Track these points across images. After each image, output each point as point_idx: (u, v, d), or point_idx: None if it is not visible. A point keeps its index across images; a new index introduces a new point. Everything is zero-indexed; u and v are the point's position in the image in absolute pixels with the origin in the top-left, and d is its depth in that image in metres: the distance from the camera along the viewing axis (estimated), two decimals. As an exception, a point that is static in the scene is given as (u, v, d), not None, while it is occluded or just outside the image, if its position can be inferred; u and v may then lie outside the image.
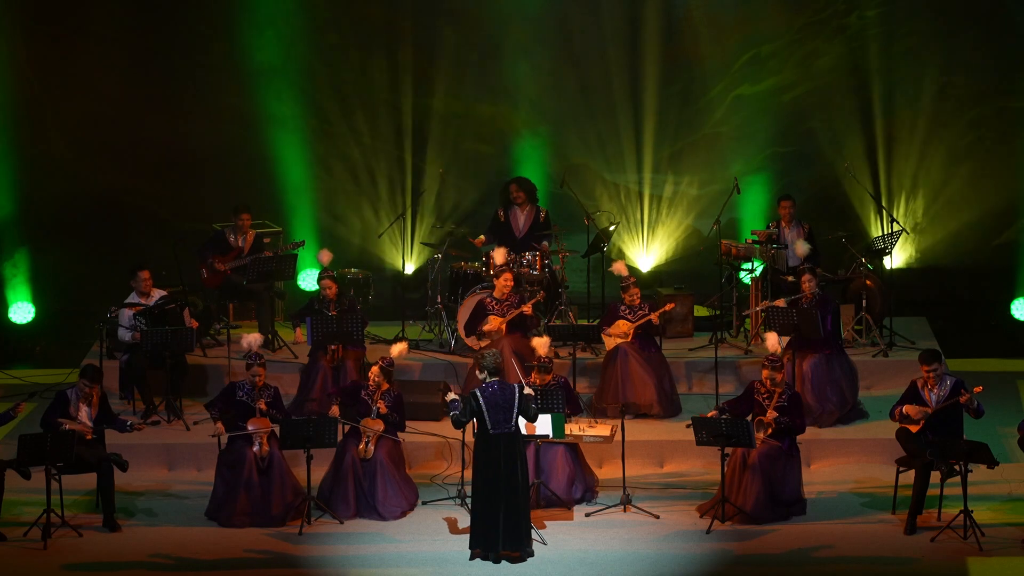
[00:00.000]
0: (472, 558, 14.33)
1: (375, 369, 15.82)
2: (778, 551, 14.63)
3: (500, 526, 14.20)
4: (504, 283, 17.76)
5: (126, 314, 17.74)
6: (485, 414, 14.21)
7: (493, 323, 17.68)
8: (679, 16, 21.24)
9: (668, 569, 14.28)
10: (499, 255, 18.31)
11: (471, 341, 18.24)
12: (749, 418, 15.38)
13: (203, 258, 18.98)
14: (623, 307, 17.70)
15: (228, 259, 18.97)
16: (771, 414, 15.37)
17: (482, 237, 19.02)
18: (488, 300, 17.83)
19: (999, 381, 18.54)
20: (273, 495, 15.37)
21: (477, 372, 14.75)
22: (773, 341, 16.02)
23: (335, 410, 15.67)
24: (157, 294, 17.87)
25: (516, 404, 14.26)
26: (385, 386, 15.82)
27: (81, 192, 21.24)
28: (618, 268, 17.99)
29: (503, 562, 14.26)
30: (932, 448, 14.96)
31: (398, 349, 16.30)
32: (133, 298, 17.83)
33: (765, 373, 15.55)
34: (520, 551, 14.31)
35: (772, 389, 15.51)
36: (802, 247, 18.30)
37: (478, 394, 14.27)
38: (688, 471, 16.60)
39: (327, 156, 21.52)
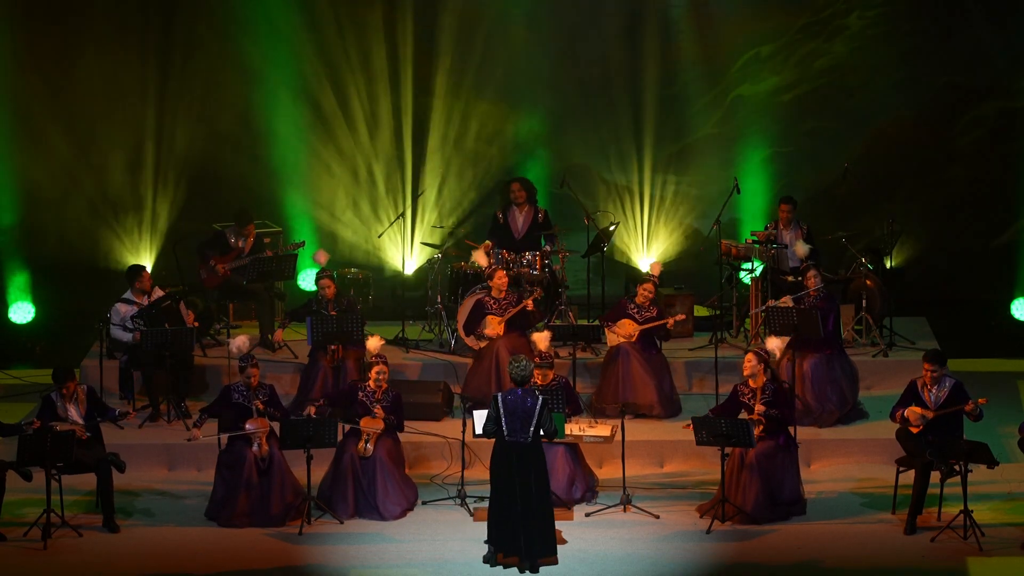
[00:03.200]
0: (486, 559, 14.18)
1: (377, 369, 15.75)
2: (778, 551, 14.63)
3: (524, 535, 14.00)
4: (499, 282, 17.75)
5: (119, 311, 17.70)
6: (502, 420, 14.09)
7: (491, 324, 17.68)
8: (679, 16, 21.24)
9: (668, 569, 14.28)
10: (480, 257, 18.29)
11: (470, 341, 18.25)
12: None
13: (203, 259, 18.97)
14: (631, 306, 17.69)
15: (228, 259, 18.97)
16: (759, 408, 15.37)
17: (488, 243, 18.95)
18: (486, 299, 17.82)
19: (999, 381, 18.55)
20: (273, 495, 15.37)
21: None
22: (775, 344, 15.96)
23: (311, 410, 15.60)
24: (157, 294, 17.85)
25: (536, 415, 14.12)
26: (384, 386, 15.82)
27: (81, 192, 21.24)
28: (653, 266, 18.01)
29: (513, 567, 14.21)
30: (932, 448, 14.96)
31: (375, 343, 16.27)
32: (129, 296, 17.81)
33: (750, 358, 15.47)
34: (551, 556, 14.17)
35: (755, 388, 15.50)
36: (802, 248, 18.29)
37: (499, 399, 14.13)
38: (688, 471, 16.60)
39: (327, 156, 21.52)
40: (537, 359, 16.02)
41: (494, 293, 17.81)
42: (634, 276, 19.92)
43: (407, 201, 21.24)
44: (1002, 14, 20.99)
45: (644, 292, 17.67)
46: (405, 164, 21.51)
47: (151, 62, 21.17)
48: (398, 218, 20.57)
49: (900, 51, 21.15)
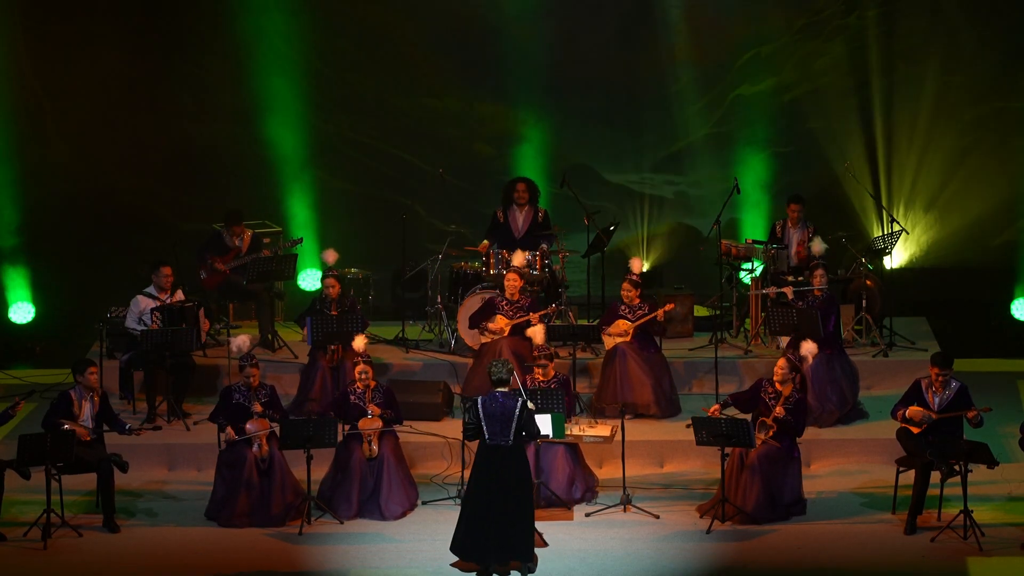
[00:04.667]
0: (454, 564, 13.99)
1: (359, 369, 15.77)
2: (778, 551, 14.62)
3: (490, 537, 13.82)
4: (510, 283, 17.73)
5: (140, 303, 17.70)
6: (483, 424, 14.01)
7: (499, 323, 17.65)
8: (679, 16, 21.25)
9: (668, 569, 14.27)
10: (517, 258, 18.24)
11: (469, 339, 18.25)
12: (749, 417, 15.40)
13: (202, 259, 18.98)
14: (623, 306, 17.69)
15: (227, 259, 18.98)
16: (779, 410, 15.34)
17: (485, 243, 18.94)
18: (498, 299, 17.80)
19: (999, 381, 18.53)
20: (273, 495, 15.36)
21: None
22: (809, 348, 15.92)
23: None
24: (179, 295, 17.86)
25: (516, 418, 14.01)
26: (373, 383, 15.82)
27: (81, 192, 21.26)
28: (635, 264, 17.96)
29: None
30: (932, 448, 14.96)
31: (360, 342, 16.34)
32: (151, 290, 17.82)
33: (783, 364, 15.45)
34: (519, 561, 13.95)
35: (780, 391, 15.48)
36: (819, 245, 18.29)
37: (478, 403, 14.07)
38: (688, 471, 16.60)
39: (327, 156, 21.53)
40: (535, 352, 16.01)
41: (507, 295, 17.77)
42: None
43: (407, 201, 21.24)
44: (1002, 14, 20.99)
45: (623, 292, 17.67)
46: (405, 164, 21.51)
47: (151, 61, 21.18)
48: (398, 218, 20.54)
49: (900, 51, 21.15)
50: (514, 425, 13.89)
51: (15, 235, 21.17)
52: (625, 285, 17.66)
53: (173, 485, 16.42)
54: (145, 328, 17.45)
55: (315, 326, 17.31)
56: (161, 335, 17.20)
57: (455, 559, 14.15)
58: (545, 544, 14.68)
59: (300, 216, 21.37)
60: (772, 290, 17.94)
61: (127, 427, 15.77)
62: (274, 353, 18.61)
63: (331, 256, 18.41)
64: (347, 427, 15.75)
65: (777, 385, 15.51)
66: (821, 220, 19.85)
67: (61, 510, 15.05)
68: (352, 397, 15.78)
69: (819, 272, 17.48)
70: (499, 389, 14.01)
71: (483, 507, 13.89)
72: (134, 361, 17.66)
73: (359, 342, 16.37)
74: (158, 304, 17.64)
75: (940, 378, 15.19)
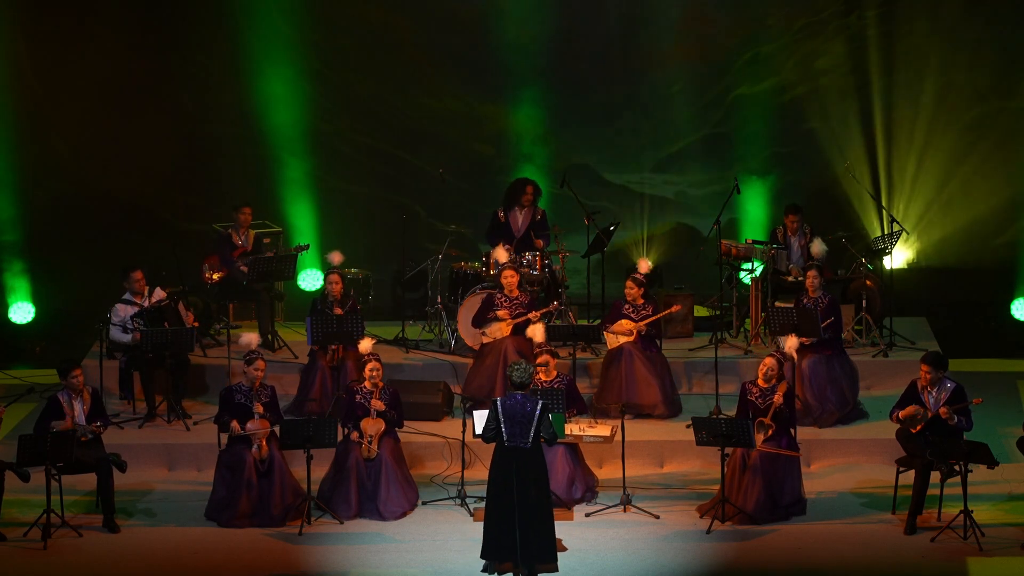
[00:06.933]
0: (484, 570, 14.06)
1: (370, 366, 15.74)
2: (778, 551, 14.62)
3: (517, 541, 13.81)
4: (507, 279, 17.72)
5: (119, 312, 17.71)
6: (502, 425, 13.96)
7: (503, 315, 17.63)
8: (678, 16, 21.25)
9: (668, 569, 14.28)
10: (500, 254, 18.26)
11: (469, 339, 18.25)
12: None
13: (227, 260, 18.98)
14: (627, 306, 17.68)
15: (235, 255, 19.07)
16: (778, 398, 15.31)
17: (510, 247, 18.85)
18: (499, 296, 17.80)
19: (999, 381, 18.54)
20: (273, 496, 15.36)
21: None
22: (792, 344, 15.91)
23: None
24: (158, 294, 17.85)
25: (535, 420, 13.98)
26: (381, 384, 15.82)
27: (81, 191, 21.27)
28: (641, 264, 17.99)
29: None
30: (932, 448, 14.96)
31: (367, 344, 16.32)
32: (128, 296, 17.82)
33: (771, 363, 15.45)
34: (547, 562, 13.97)
35: (765, 387, 15.46)
36: (818, 247, 18.27)
37: (498, 403, 14.01)
38: (688, 471, 16.60)
39: (327, 156, 21.53)
40: (537, 350, 16.00)
41: (506, 291, 17.77)
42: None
43: (407, 202, 21.25)
44: (1002, 14, 21.00)
45: (626, 291, 17.67)
46: (405, 164, 21.51)
47: (151, 61, 21.19)
48: (398, 218, 20.55)
49: (900, 51, 21.16)
50: (533, 427, 13.88)
51: (15, 235, 21.17)
52: (628, 283, 17.65)
53: (173, 485, 16.42)
54: (131, 331, 17.47)
55: (315, 326, 17.29)
56: (161, 335, 17.20)
57: (459, 555, 14.18)
58: (564, 548, 14.65)
59: (300, 216, 21.37)
60: (779, 304, 17.85)
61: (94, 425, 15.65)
62: (274, 353, 18.61)
63: (336, 257, 18.41)
64: (348, 427, 15.73)
65: (763, 384, 15.51)
66: (821, 220, 19.87)
67: (61, 510, 15.05)
68: (358, 396, 15.76)
69: (811, 273, 17.45)
70: (519, 391, 14.00)
71: (506, 511, 13.86)
72: (134, 361, 17.66)
73: (366, 344, 16.32)
74: (136, 309, 17.64)
75: (927, 376, 15.20)
